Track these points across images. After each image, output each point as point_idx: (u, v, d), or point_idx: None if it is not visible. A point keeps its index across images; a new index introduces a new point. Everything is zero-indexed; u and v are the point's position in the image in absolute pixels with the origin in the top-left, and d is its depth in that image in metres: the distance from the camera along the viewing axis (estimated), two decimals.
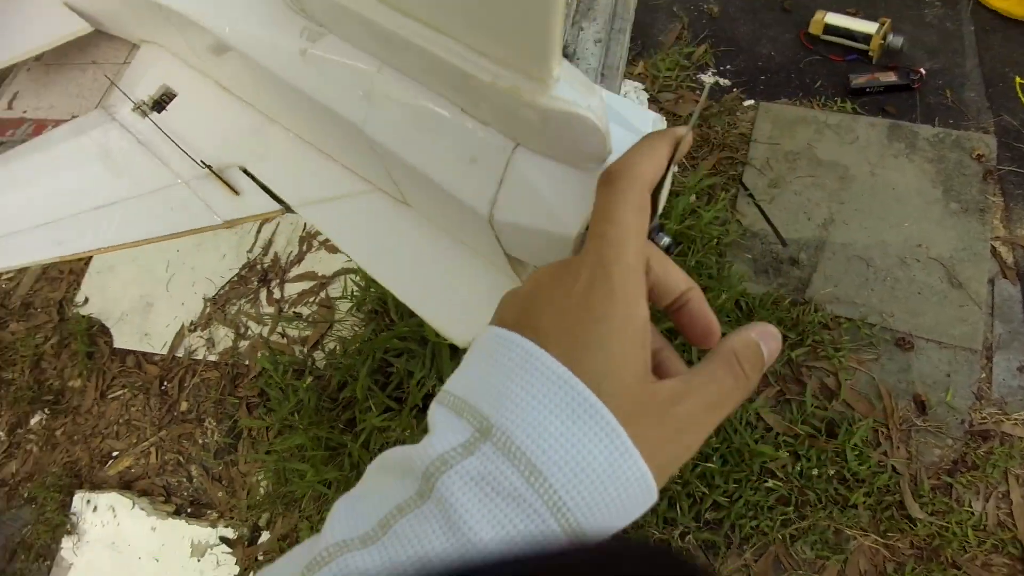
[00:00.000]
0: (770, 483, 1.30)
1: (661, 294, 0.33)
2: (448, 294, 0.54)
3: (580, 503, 0.25)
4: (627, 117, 0.41)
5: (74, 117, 0.68)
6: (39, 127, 0.67)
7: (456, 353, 1.35)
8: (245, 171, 0.62)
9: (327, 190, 0.57)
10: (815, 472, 1.30)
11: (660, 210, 0.38)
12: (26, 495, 1.85)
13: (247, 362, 1.79)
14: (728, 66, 1.75)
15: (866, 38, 1.65)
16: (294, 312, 1.82)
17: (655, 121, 0.45)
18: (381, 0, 0.39)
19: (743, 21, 1.80)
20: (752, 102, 1.67)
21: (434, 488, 0.25)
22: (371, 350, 1.51)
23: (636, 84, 1.74)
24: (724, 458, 1.33)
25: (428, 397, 1.44)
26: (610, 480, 0.25)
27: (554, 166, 0.40)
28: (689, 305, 0.33)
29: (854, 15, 1.71)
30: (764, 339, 0.32)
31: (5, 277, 2.16)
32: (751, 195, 1.52)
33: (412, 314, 0.60)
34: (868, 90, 1.62)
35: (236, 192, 0.62)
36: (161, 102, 0.67)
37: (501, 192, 0.42)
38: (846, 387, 1.36)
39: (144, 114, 0.66)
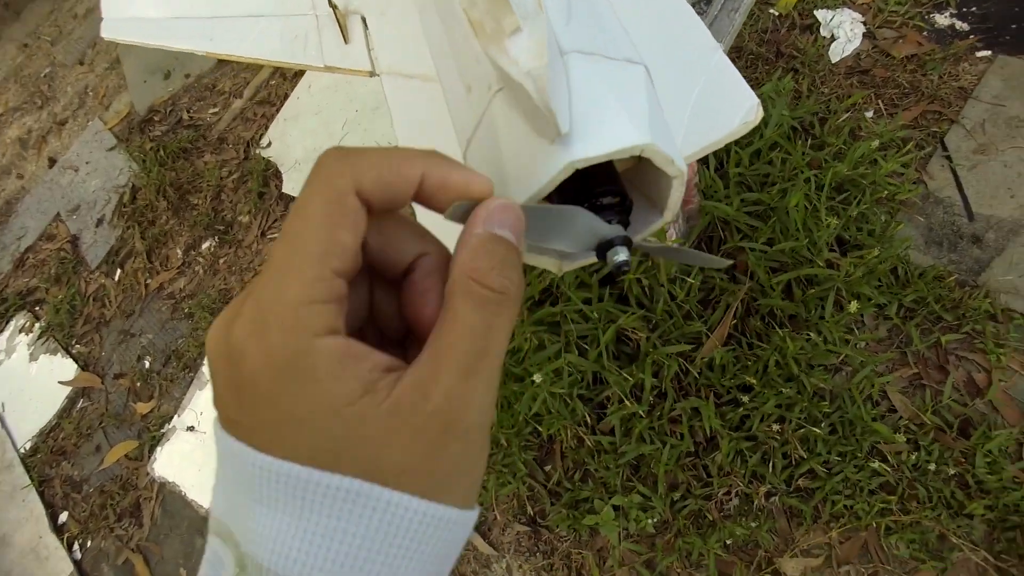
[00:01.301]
0: (877, 466, 1.35)
1: (386, 268, 0.31)
2: None
3: None
4: (636, 103, 0.40)
5: None
6: None
7: None
8: (364, 21, 0.75)
9: (411, 66, 0.67)
10: (932, 468, 1.33)
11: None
12: (186, 310, 2.34)
13: None
14: (973, 8, 1.68)
15: None
16: None
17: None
18: None
19: None
20: (988, 54, 1.61)
21: None
22: None
23: (855, 15, 1.74)
24: (833, 427, 1.40)
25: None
26: (390, 542, 0.25)
27: (520, 126, 0.38)
28: (413, 275, 0.31)
29: None
30: (493, 222, 0.29)
31: (210, 111, 2.68)
32: (948, 156, 1.50)
33: None
34: None
35: (346, 40, 0.75)
36: None
37: (476, 135, 0.42)
38: (998, 387, 1.35)
39: None
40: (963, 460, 1.33)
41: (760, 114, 0.52)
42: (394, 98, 0.68)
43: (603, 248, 0.36)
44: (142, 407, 2.27)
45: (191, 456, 2.11)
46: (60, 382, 2.43)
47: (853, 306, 1.35)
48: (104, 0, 0.97)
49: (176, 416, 2.19)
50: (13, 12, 3.66)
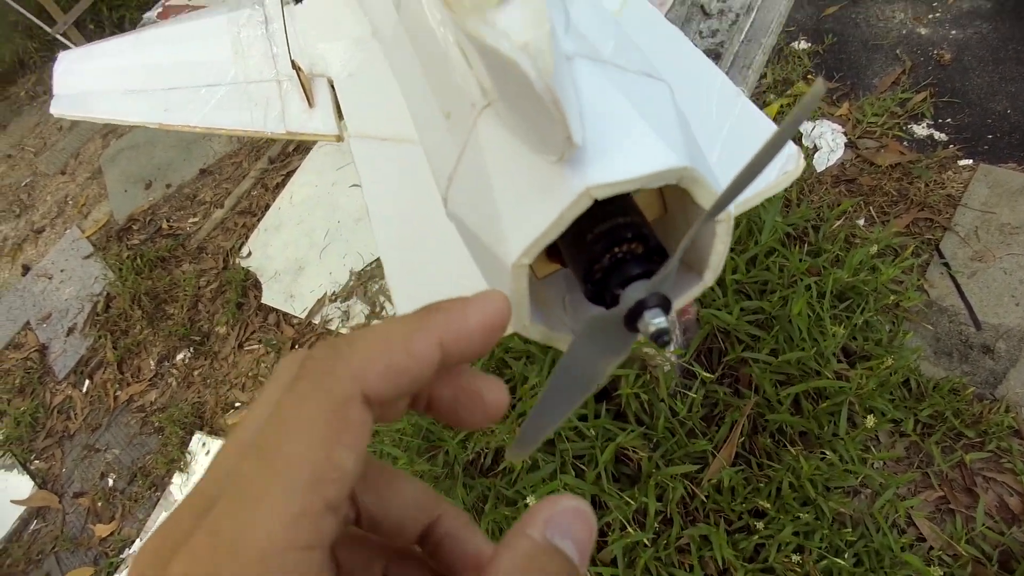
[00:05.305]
0: None
1: (386, 530, 0.23)
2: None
3: None
4: (665, 120, 0.28)
5: None
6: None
7: None
8: (331, 85, 0.65)
9: (383, 128, 0.57)
10: None
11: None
12: (156, 424, 2.09)
13: None
14: (948, 120, 1.62)
15: None
16: None
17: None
18: None
19: (979, 72, 1.66)
20: (969, 162, 1.53)
21: None
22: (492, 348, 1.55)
23: (835, 126, 1.67)
24: (858, 558, 1.20)
25: None
26: None
27: (515, 147, 0.27)
28: (434, 548, 0.24)
29: None
30: (557, 528, 0.20)
31: (190, 221, 2.50)
32: (946, 264, 1.38)
33: None
34: None
35: (311, 104, 0.65)
36: None
37: (459, 168, 0.31)
38: None
39: (285, 2, 0.72)
40: None
41: (802, 163, 0.43)
42: (364, 162, 0.58)
43: (632, 316, 0.25)
44: (102, 529, 2.00)
45: None
46: (13, 501, 2.13)
47: (870, 421, 1.18)
48: (57, 77, 0.86)
49: (138, 540, 1.93)
50: None
